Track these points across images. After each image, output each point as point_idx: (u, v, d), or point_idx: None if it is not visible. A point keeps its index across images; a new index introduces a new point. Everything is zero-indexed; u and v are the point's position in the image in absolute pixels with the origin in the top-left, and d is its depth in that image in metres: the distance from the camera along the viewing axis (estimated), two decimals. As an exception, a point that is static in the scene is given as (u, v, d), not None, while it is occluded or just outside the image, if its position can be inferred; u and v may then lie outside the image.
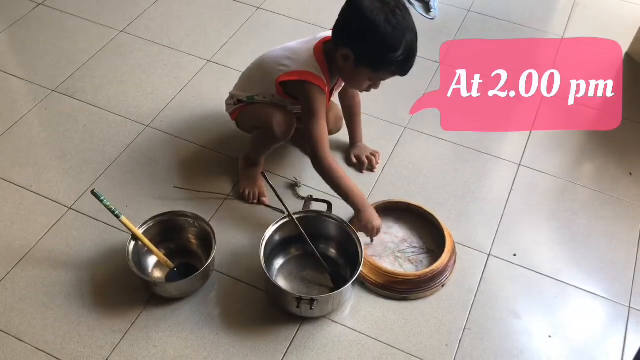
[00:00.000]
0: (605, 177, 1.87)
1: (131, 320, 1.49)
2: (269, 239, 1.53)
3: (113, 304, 1.51)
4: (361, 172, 1.84)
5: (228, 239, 1.64)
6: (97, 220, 1.67)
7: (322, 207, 1.66)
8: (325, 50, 1.54)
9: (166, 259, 1.55)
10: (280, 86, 1.57)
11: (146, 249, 1.53)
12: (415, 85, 2.11)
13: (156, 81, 2.08)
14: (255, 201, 1.74)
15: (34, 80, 2.06)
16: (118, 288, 1.54)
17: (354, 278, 1.44)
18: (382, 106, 2.03)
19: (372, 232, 1.61)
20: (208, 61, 2.16)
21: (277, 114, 1.62)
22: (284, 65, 1.56)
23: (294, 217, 1.53)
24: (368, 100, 1.95)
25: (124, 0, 2.39)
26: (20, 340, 1.44)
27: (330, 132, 1.81)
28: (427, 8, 2.41)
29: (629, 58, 2.28)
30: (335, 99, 1.81)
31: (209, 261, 1.48)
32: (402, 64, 1.47)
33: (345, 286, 1.43)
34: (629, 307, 1.57)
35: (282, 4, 2.40)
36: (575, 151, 1.97)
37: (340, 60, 1.49)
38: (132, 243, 1.50)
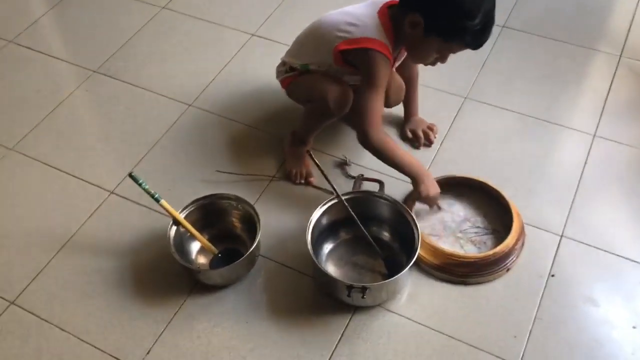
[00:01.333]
0: (694, 146, 1.66)
1: (174, 309, 1.41)
2: (316, 222, 1.42)
3: (155, 293, 1.44)
4: (417, 147, 1.70)
5: (274, 222, 1.54)
6: (140, 204, 1.60)
7: (374, 187, 1.54)
8: (391, 15, 1.40)
9: (209, 244, 1.46)
10: (340, 55, 1.44)
11: (189, 234, 1.45)
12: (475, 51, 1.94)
13: (199, 58, 1.99)
14: (303, 181, 1.63)
15: (75, 61, 2.01)
16: (161, 275, 1.47)
17: (410, 264, 1.31)
18: (439, 75, 1.86)
19: (432, 202, 1.47)
20: (252, 35, 2.05)
21: (334, 88, 1.48)
22: (345, 31, 1.42)
23: (343, 198, 1.41)
24: (423, 69, 1.78)
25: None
26: (63, 330, 1.39)
27: (391, 104, 1.69)
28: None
29: None
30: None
31: (254, 246, 1.38)
32: (478, 34, 1.31)
33: (401, 273, 1.30)
34: None
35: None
36: (658, 118, 1.76)
37: (407, 27, 1.35)
38: (174, 228, 1.42)
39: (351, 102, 1.52)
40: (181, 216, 1.43)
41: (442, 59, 1.42)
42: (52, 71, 1.99)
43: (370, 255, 1.45)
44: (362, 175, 1.61)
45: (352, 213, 1.39)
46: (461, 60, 1.89)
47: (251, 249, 1.38)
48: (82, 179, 1.67)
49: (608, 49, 1.95)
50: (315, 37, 1.51)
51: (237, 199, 1.47)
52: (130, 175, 1.37)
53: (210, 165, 1.68)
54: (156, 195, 1.39)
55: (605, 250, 1.46)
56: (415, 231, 1.36)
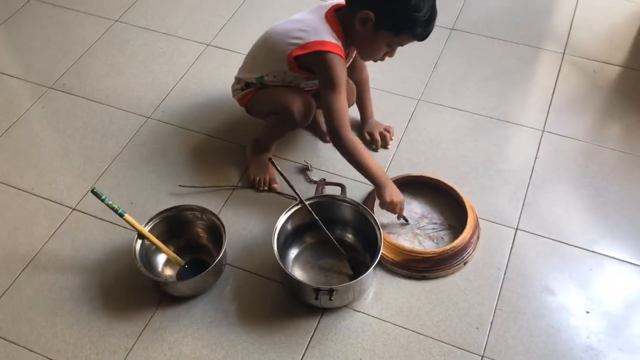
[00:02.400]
0: (635, 137, 1.75)
1: (144, 322, 1.42)
2: (281, 228, 1.45)
3: (124, 307, 1.45)
4: (375, 150, 1.74)
5: (239, 231, 1.56)
6: (103, 220, 1.60)
7: (336, 191, 1.57)
8: (339, 17, 1.45)
9: (176, 256, 1.47)
10: (295, 61, 1.47)
11: (154, 247, 1.45)
12: (426, 53, 2.00)
13: (155, 70, 1.99)
14: (266, 188, 1.66)
15: (29, 78, 1.99)
16: (128, 289, 1.47)
17: (374, 264, 1.35)
18: (393, 78, 1.92)
19: (396, 209, 1.51)
20: (208, 45, 2.07)
21: (296, 99, 1.52)
22: (297, 37, 1.45)
23: (306, 203, 1.44)
24: (376, 73, 1.85)
25: (117, -12, 2.30)
26: (31, 351, 1.38)
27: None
28: (434, -28, 2.28)
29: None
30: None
31: (220, 256, 1.40)
32: (425, 24, 1.39)
33: (365, 273, 1.34)
34: (671, 275, 1.47)
35: (281, -20, 2.30)
36: (601, 112, 1.85)
37: (358, 25, 1.39)
38: (139, 242, 1.43)
39: (314, 111, 1.56)
40: (146, 229, 1.44)
41: (391, 52, 1.48)
42: (5, 88, 1.97)
43: (336, 258, 1.49)
44: (324, 179, 1.65)
45: (316, 217, 1.43)
46: (413, 63, 1.97)
47: (217, 259, 1.40)
48: (42, 197, 1.66)
49: (552, 47, 2.03)
50: (267, 48, 1.54)
51: (202, 210, 1.48)
52: (93, 192, 1.37)
53: (172, 177, 1.69)
54: (120, 210, 1.39)
55: (558, 241, 1.54)
56: (377, 232, 1.40)
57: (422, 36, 1.42)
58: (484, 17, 2.14)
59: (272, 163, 1.46)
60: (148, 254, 1.46)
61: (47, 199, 1.66)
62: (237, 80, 1.65)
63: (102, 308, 1.44)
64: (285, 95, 1.53)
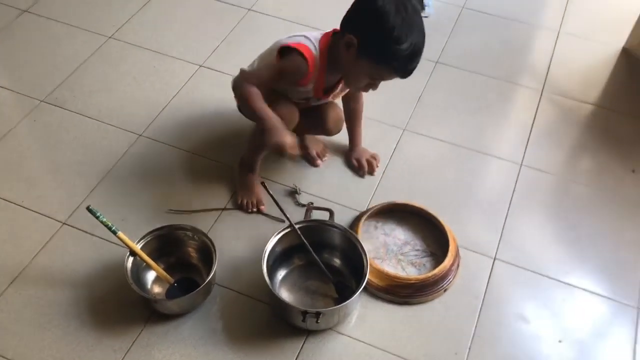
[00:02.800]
0: (607, 174, 1.85)
1: (132, 338, 1.44)
2: (270, 250, 1.49)
3: (113, 323, 1.47)
4: (362, 176, 1.80)
5: (228, 251, 1.60)
6: (93, 235, 1.62)
7: (324, 215, 1.63)
8: (332, 41, 1.51)
9: (166, 274, 1.50)
10: (279, 51, 1.51)
11: (145, 264, 1.48)
12: (412, 85, 2.08)
13: (148, 88, 2.03)
14: (255, 210, 1.70)
15: (21, 90, 2.00)
16: (117, 305, 1.50)
17: (360, 289, 1.41)
18: (380, 108, 1.99)
19: (280, 150, 1.46)
20: (200, 66, 2.11)
21: (278, 105, 1.55)
22: (294, 36, 1.53)
23: (296, 226, 1.49)
24: (365, 102, 1.92)
25: (110, 5, 2.33)
26: (18, 364, 1.40)
27: (330, 133, 1.78)
28: (422, 5, 2.37)
29: (625, 52, 2.25)
30: (339, 101, 1.76)
31: (211, 276, 1.44)
32: (406, 61, 1.41)
33: (352, 298, 1.39)
34: (638, 308, 1.55)
35: (274, 6, 2.36)
36: (576, 149, 1.94)
37: (342, 49, 1.45)
38: (130, 259, 1.46)
39: (296, 122, 1.61)
40: (138, 247, 1.47)
41: (373, 85, 1.51)
42: (-4, 100, 1.98)
43: (322, 281, 1.54)
44: (312, 203, 1.70)
45: (305, 241, 1.48)
46: (399, 94, 2.04)
47: (208, 279, 1.43)
48: (32, 210, 1.68)
49: (531, 84, 2.13)
50: (270, 48, 1.59)
51: (193, 230, 1.52)
52: (88, 209, 1.40)
53: (162, 195, 1.73)
54: (113, 228, 1.42)
55: (533, 271, 1.61)
56: (364, 257, 1.46)
57: (402, 71, 1.44)
58: (467, 52, 2.23)
59: (265, 187, 1.50)
60: (138, 271, 1.49)
61: (37, 213, 1.68)
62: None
63: (90, 323, 1.47)
64: (269, 98, 1.55)
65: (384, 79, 1.49)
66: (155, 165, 1.81)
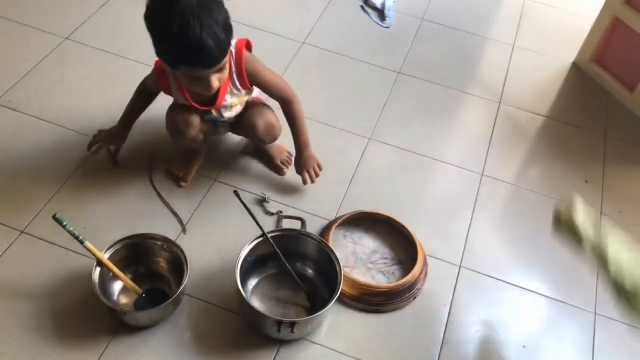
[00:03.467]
0: (563, 184, 1.92)
1: (99, 352, 1.40)
2: (243, 259, 1.47)
3: (77, 335, 1.42)
4: (304, 183, 1.75)
5: (197, 260, 1.57)
6: (54, 244, 1.56)
7: (295, 224, 1.62)
8: None
9: (134, 285, 1.46)
10: None
11: (111, 274, 1.44)
12: (375, 94, 2.11)
13: (108, 92, 1.97)
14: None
15: (-29, 92, 1.91)
16: (82, 317, 1.44)
17: (334, 299, 1.41)
18: (344, 117, 2.01)
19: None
20: (162, 70, 2.07)
21: (175, 110, 1.61)
22: None
23: (269, 235, 1.48)
24: (329, 111, 1.94)
25: (66, 5, 2.26)
26: (-24, 380, 1.33)
27: (264, 141, 1.70)
28: (382, 16, 2.41)
29: (575, 67, 2.35)
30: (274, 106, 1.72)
31: (182, 286, 1.41)
32: (181, 42, 1.32)
33: (327, 307, 1.39)
34: (595, 313, 1.62)
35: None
36: (532, 159, 2.01)
37: None
38: (98, 269, 1.41)
39: (193, 126, 1.59)
40: (105, 256, 1.43)
41: (204, 83, 1.44)
42: (-56, 101, 1.88)
43: (293, 290, 1.53)
44: (281, 212, 1.69)
45: (278, 251, 1.47)
46: (364, 102, 2.06)
47: (180, 289, 1.40)
48: (-13, 218, 1.60)
49: (489, 95, 2.19)
50: None
51: (165, 240, 1.49)
52: (54, 217, 1.35)
53: (124, 201, 1.68)
54: (80, 237, 1.37)
55: (497, 279, 1.66)
56: (337, 267, 1.46)
57: (190, 57, 1.35)
58: (426, 63, 2.28)
59: (237, 196, 1.49)
60: (104, 281, 1.45)
61: (-7, 220, 1.60)
62: None
63: (53, 336, 1.41)
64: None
65: (197, 74, 1.42)
66: (117, 169, 1.75)
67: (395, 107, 2.09)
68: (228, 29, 1.38)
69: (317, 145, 1.81)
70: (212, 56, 1.36)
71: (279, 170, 1.81)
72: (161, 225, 1.64)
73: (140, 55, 2.10)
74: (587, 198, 1.86)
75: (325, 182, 1.80)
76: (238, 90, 1.59)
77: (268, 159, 1.82)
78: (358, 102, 2.07)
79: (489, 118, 2.11)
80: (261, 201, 1.73)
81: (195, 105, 1.57)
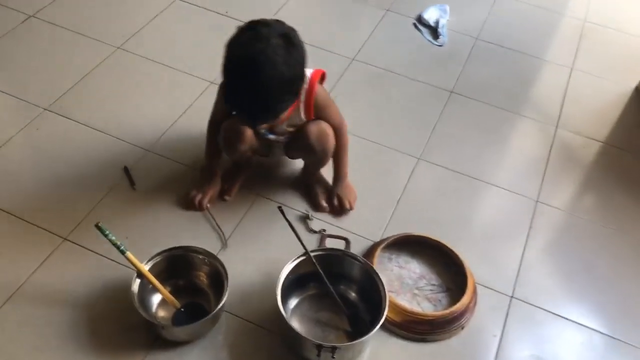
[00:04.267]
0: (623, 215, 1.81)
1: (134, 365, 1.37)
2: (284, 278, 1.43)
3: (113, 347, 1.39)
4: (337, 215, 1.70)
5: (237, 275, 1.52)
6: (95, 252, 1.55)
7: (339, 244, 1.57)
8: None
9: (173, 298, 1.43)
10: None
11: (151, 286, 1.41)
12: (426, 113, 2.05)
13: (157, 102, 1.97)
14: (203, 207, 1.67)
15: (24, 97, 1.93)
16: (119, 329, 1.42)
17: (379, 325, 1.34)
18: (394, 136, 1.95)
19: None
20: (211, 83, 2.06)
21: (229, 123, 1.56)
22: None
23: (312, 254, 1.43)
24: (379, 129, 1.89)
25: (119, 15, 2.28)
26: (10, 388, 1.31)
27: (314, 150, 1.58)
28: (435, 34, 2.36)
29: (638, 92, 2.24)
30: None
31: (221, 304, 1.37)
32: (228, 86, 1.36)
33: (370, 333, 1.33)
34: (657, 355, 1.51)
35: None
36: (591, 188, 1.91)
37: None
38: (137, 281, 1.39)
39: (245, 141, 1.55)
40: (146, 268, 1.40)
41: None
42: (-2, 106, 1.91)
43: (335, 312, 1.47)
44: (325, 230, 1.64)
45: (320, 270, 1.42)
46: (414, 122, 2.00)
47: (218, 307, 1.36)
48: (31, 223, 1.60)
49: (545, 118, 2.10)
50: None
51: (206, 254, 1.45)
52: (97, 226, 1.33)
53: (168, 212, 1.66)
54: (122, 247, 1.35)
55: (550, 312, 1.56)
56: (382, 291, 1.40)
57: (232, 102, 1.40)
58: (481, 83, 2.20)
59: (282, 212, 1.45)
60: (143, 293, 1.41)
61: (36, 226, 1.59)
62: None
63: (89, 346, 1.38)
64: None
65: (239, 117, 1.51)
66: (163, 182, 1.74)
67: (447, 127, 2.02)
68: (291, 85, 1.36)
69: (364, 164, 1.76)
70: (256, 122, 1.48)
71: (319, 210, 1.71)
72: (203, 238, 1.60)
73: (190, 68, 2.10)
74: (649, 231, 1.78)
75: (372, 202, 1.75)
76: (300, 120, 1.56)
77: (312, 195, 1.74)
78: (409, 121, 2.01)
79: (545, 142, 2.02)
80: (304, 218, 1.69)
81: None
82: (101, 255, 1.54)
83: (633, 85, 2.27)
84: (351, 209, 1.70)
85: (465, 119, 2.06)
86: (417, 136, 1.97)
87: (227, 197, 1.71)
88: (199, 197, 1.67)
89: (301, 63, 1.36)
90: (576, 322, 1.55)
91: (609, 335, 1.53)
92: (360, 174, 1.79)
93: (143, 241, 1.57)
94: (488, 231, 1.73)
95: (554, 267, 1.67)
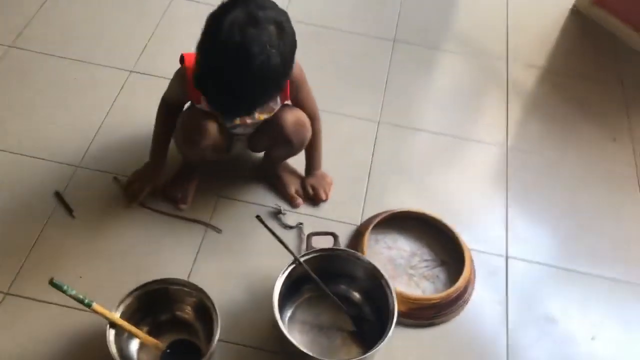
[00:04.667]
0: (591, 147, 1.78)
1: None
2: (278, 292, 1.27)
3: (99, 411, 1.20)
4: (316, 204, 1.56)
5: (219, 295, 1.33)
6: (50, 303, 1.32)
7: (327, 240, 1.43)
8: None
9: (156, 341, 1.24)
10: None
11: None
12: (375, 69, 1.89)
13: (72, 107, 1.69)
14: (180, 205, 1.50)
15: None
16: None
17: (389, 333, 1.21)
18: (347, 101, 1.79)
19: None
20: (131, 71, 1.79)
21: (190, 115, 1.38)
22: None
23: (302, 260, 1.28)
24: (329, 95, 1.73)
25: (3, 6, 1.92)
26: None
27: (291, 139, 1.41)
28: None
29: (575, 12, 2.18)
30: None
31: (213, 346, 1.18)
32: (209, 73, 1.16)
33: (382, 342, 1.20)
34: (656, 287, 1.50)
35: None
36: (555, 122, 1.84)
37: None
38: (112, 331, 1.19)
39: (209, 135, 1.35)
40: (118, 316, 1.20)
41: None
42: None
43: (335, 312, 1.34)
44: (302, 223, 1.49)
45: (317, 278, 1.28)
46: (364, 82, 1.84)
47: (210, 350, 1.18)
48: (-39, 283, 1.34)
49: (497, 53, 2.01)
50: None
51: (188, 285, 1.26)
52: (52, 283, 1.10)
53: (119, 237, 1.44)
54: (87, 301, 1.14)
55: (549, 265, 1.51)
56: (387, 290, 1.26)
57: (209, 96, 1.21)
58: (421, 25, 2.06)
59: (261, 221, 1.28)
60: (121, 340, 1.22)
61: (-32, 284, 1.34)
62: None
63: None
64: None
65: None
66: (104, 201, 1.50)
67: (399, 82, 1.87)
68: (279, 79, 1.18)
69: (324, 139, 1.61)
70: (233, 115, 1.32)
71: (292, 201, 1.55)
72: (167, 259, 1.41)
73: (103, 58, 1.81)
74: (618, 158, 1.75)
75: (342, 182, 1.60)
76: (275, 102, 1.36)
77: (280, 187, 1.57)
78: (358, 81, 1.85)
79: (500, 82, 1.93)
80: (276, 214, 1.52)
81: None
82: (57, 304, 1.31)
83: (569, 4, 2.20)
84: (327, 198, 1.55)
85: (414, 69, 1.93)
86: (371, 97, 1.82)
87: (182, 206, 1.51)
88: (133, 187, 1.48)
89: (292, 54, 1.18)
90: (578, 272, 1.50)
91: (610, 278, 1.50)
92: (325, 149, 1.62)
93: (100, 277, 1.36)
94: (466, 191, 1.64)
95: (539, 215, 1.62)
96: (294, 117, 1.40)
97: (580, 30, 2.14)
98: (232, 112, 1.28)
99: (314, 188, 1.55)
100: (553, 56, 2.04)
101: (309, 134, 1.44)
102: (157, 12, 1.97)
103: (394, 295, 1.26)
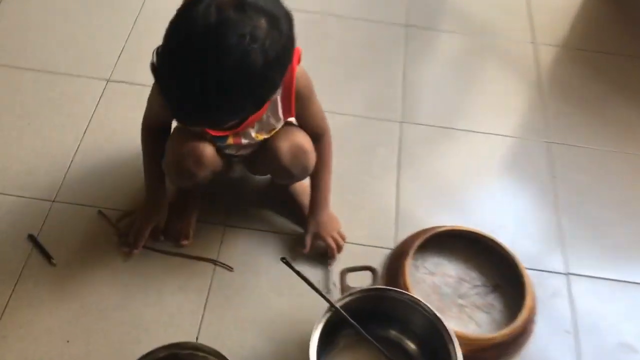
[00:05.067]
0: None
1: None
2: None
3: None
4: (329, 262, 1.27)
5: (235, 350, 1.12)
6: (30, 378, 1.08)
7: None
8: None
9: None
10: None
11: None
12: (390, 60, 1.66)
13: (44, 127, 1.43)
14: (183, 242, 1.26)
15: None
16: None
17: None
18: (363, 100, 1.56)
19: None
20: (107, 81, 1.53)
21: (181, 140, 1.13)
22: None
23: (338, 305, 1.05)
24: (341, 94, 1.55)
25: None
26: None
27: (289, 170, 1.16)
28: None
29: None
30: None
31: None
32: (169, 69, 0.88)
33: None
34: None
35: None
36: (596, 105, 1.63)
37: None
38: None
39: (208, 162, 1.13)
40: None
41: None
42: None
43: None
44: (347, 269, 1.23)
45: (359, 328, 1.05)
46: (378, 76, 1.61)
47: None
48: None
49: (518, 36, 1.79)
50: None
51: (201, 347, 1.02)
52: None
53: (111, 286, 1.20)
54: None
55: (619, 280, 1.30)
56: (450, 346, 1.04)
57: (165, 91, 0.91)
58: (434, 8, 1.83)
59: (287, 264, 1.05)
60: None
61: None
62: None
63: None
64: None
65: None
66: (85, 240, 1.25)
67: (417, 73, 1.64)
68: (258, 82, 0.88)
69: (344, 147, 1.37)
70: (196, 123, 1.00)
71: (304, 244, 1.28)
72: (171, 311, 1.17)
73: (74, 67, 1.55)
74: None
75: (368, 196, 1.38)
76: (277, 119, 1.11)
77: (296, 209, 1.33)
78: (372, 75, 1.61)
79: (527, 65, 1.70)
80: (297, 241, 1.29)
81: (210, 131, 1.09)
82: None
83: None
84: (340, 250, 1.27)
85: (432, 57, 1.70)
86: (389, 93, 1.58)
87: (184, 242, 1.26)
88: (133, 232, 1.23)
89: (283, 62, 0.91)
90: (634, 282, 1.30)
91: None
92: (342, 163, 1.38)
93: (92, 341, 1.12)
94: (508, 193, 1.42)
95: (595, 222, 1.40)
96: (289, 144, 1.14)
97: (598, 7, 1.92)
98: (189, 118, 0.95)
99: (324, 240, 1.26)
100: (580, 33, 1.82)
101: (312, 159, 1.18)
102: (131, 14, 1.69)
103: (456, 345, 1.03)
